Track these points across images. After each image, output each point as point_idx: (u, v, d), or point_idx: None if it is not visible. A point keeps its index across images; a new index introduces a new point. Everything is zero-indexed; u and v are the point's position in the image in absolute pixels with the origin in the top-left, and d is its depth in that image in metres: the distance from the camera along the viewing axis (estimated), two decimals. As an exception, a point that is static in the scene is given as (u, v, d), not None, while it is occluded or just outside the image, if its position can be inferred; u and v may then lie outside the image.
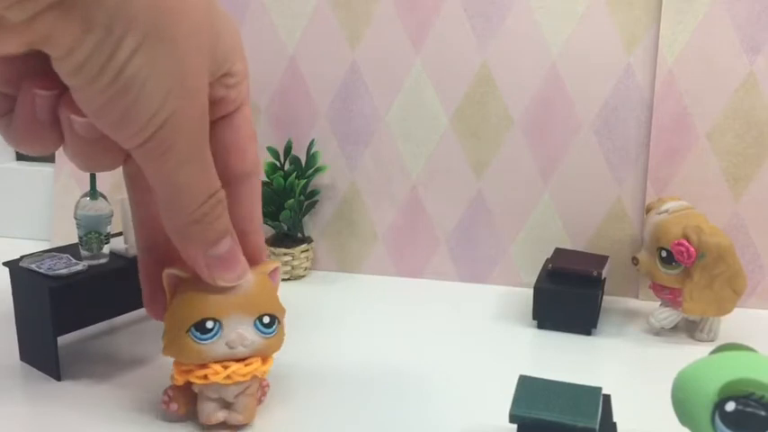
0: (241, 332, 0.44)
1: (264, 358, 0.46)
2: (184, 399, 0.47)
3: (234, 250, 0.43)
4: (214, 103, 0.41)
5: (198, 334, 0.43)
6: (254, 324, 0.45)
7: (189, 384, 0.46)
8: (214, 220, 0.41)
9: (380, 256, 0.74)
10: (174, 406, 0.46)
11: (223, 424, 0.46)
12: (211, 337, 0.44)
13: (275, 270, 0.47)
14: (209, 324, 0.43)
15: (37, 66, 0.34)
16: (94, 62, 0.33)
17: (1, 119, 0.37)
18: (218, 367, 0.44)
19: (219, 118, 0.43)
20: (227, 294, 0.44)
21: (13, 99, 0.37)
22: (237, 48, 0.42)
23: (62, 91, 0.36)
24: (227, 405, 0.46)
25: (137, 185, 0.45)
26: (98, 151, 0.38)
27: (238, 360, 0.45)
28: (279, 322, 0.46)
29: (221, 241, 0.42)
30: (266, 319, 0.45)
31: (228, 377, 0.44)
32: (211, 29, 0.38)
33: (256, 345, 0.45)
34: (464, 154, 0.71)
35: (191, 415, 0.47)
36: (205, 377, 0.44)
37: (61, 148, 0.38)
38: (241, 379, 0.45)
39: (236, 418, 0.46)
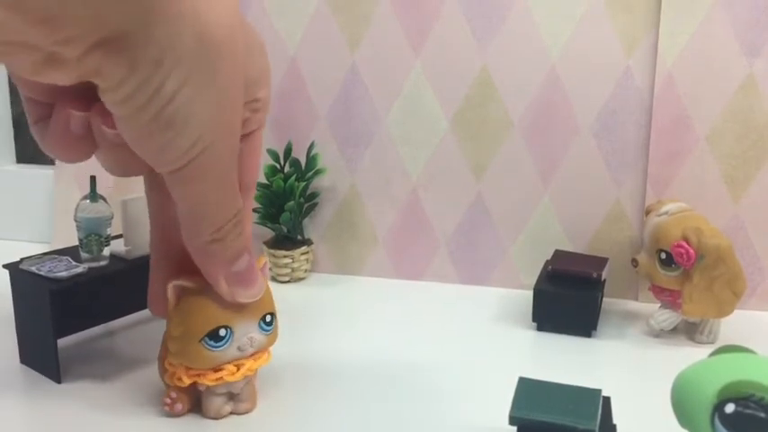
0: (251, 335, 0.46)
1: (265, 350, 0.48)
2: (188, 397, 0.48)
3: (252, 266, 0.43)
4: None
5: (211, 342, 0.45)
6: (259, 324, 0.46)
7: (193, 384, 0.47)
8: (235, 238, 0.41)
9: (380, 258, 0.74)
10: (178, 406, 0.48)
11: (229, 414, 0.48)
12: (224, 344, 0.45)
13: (264, 265, 0.48)
14: (222, 332, 0.45)
15: None
16: (142, 94, 0.33)
17: (36, 125, 0.38)
18: (231, 367, 0.46)
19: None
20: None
21: (48, 107, 0.37)
22: (265, 73, 0.42)
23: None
24: (231, 397, 0.48)
25: (159, 191, 0.44)
26: (128, 156, 0.38)
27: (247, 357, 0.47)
28: (275, 317, 0.48)
29: (240, 258, 0.42)
30: (268, 318, 0.47)
31: (241, 374, 0.46)
32: (246, 57, 0.38)
33: (261, 342, 0.47)
34: (464, 156, 0.71)
35: (192, 409, 0.48)
36: (220, 378, 0.46)
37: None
38: (250, 374, 0.47)
39: (243, 407, 0.49)
